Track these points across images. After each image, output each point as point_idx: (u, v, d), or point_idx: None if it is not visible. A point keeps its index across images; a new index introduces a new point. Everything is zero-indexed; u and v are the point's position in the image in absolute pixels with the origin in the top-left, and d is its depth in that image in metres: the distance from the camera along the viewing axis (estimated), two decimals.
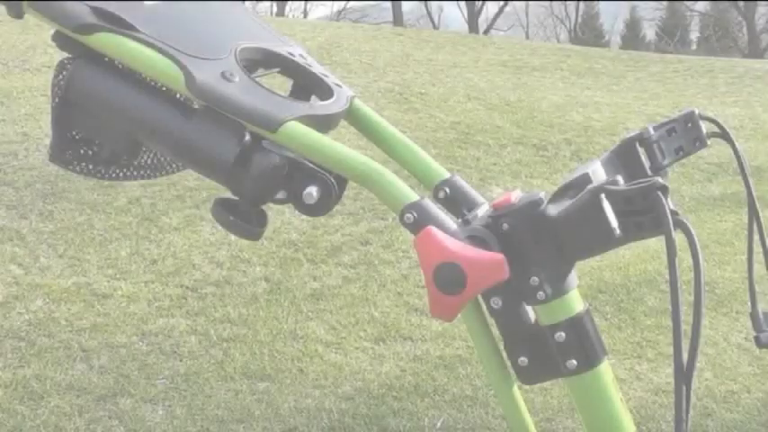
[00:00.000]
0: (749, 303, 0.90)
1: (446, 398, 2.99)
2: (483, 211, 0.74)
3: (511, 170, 5.89)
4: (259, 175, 0.75)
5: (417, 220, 0.70)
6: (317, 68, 0.88)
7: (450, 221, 0.71)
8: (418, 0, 32.82)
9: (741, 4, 27.89)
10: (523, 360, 0.72)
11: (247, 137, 0.76)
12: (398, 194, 0.73)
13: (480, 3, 30.10)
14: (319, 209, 0.77)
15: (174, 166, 0.91)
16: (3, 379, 2.95)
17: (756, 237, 0.88)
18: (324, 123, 0.80)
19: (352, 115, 0.86)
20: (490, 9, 35.80)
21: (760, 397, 3.11)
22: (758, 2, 27.92)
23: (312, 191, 0.76)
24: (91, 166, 0.81)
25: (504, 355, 0.73)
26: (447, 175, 0.84)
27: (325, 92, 0.86)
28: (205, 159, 0.76)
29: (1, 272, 3.77)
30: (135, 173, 0.89)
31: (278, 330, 3.41)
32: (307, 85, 0.87)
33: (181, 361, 3.15)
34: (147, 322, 3.42)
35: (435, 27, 29.52)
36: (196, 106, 0.77)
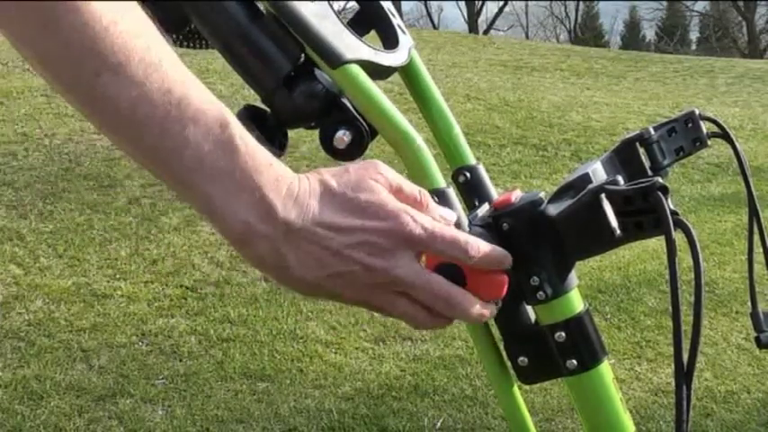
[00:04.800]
0: (749, 303, 0.90)
1: (446, 398, 2.99)
2: (483, 210, 0.74)
3: (511, 170, 5.90)
4: (300, 100, 0.75)
5: None
6: (387, 3, 0.87)
7: (464, 220, 0.71)
8: (418, 0, 32.84)
9: (741, 4, 27.91)
10: (523, 360, 0.72)
11: (302, 59, 0.75)
12: (428, 174, 0.73)
13: (480, 3, 30.12)
14: (345, 155, 0.77)
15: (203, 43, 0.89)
16: (3, 379, 2.95)
17: (756, 237, 0.88)
18: (381, 73, 0.79)
19: (405, 68, 0.86)
20: (490, 9, 35.86)
21: (760, 397, 3.11)
22: (758, 2, 27.95)
23: (345, 135, 0.76)
24: None
25: (504, 355, 0.73)
26: (473, 161, 0.84)
27: (388, 32, 0.85)
28: (253, 66, 0.76)
29: (1, 272, 3.77)
30: (171, 39, 0.87)
31: (278, 330, 3.41)
32: (371, 17, 0.86)
33: (180, 361, 3.15)
34: (147, 322, 3.42)
35: (435, 27, 29.54)
36: (262, 9, 0.76)
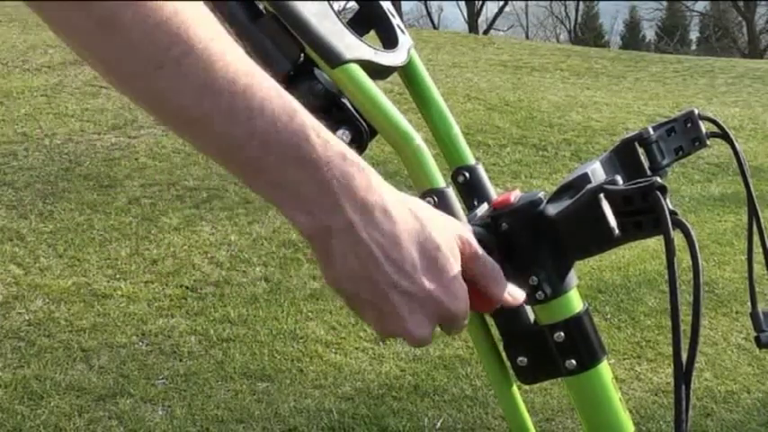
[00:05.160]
0: (749, 303, 0.90)
1: (446, 398, 2.99)
2: (482, 210, 0.74)
3: (511, 170, 5.90)
4: (300, 100, 0.76)
5: (436, 207, 0.71)
6: (386, 4, 0.87)
7: (463, 220, 0.71)
8: (418, 0, 32.84)
9: (741, 4, 27.90)
10: (523, 360, 0.72)
11: (302, 58, 0.75)
12: (428, 174, 0.73)
13: (480, 3, 30.11)
14: None
15: None
16: (3, 379, 2.95)
17: (756, 237, 0.88)
18: (380, 73, 0.80)
19: (405, 68, 0.86)
20: (490, 9, 35.86)
21: (760, 397, 3.11)
22: (758, 2, 27.94)
23: (344, 135, 0.76)
24: None
25: (504, 355, 0.73)
26: (472, 161, 0.84)
27: (388, 32, 0.85)
28: None
29: (1, 272, 3.77)
30: None
31: (278, 330, 3.41)
32: (370, 17, 0.86)
33: (181, 361, 3.15)
34: (147, 322, 3.42)
35: (435, 27, 29.53)
36: (262, 8, 0.76)
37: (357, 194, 0.58)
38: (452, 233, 0.62)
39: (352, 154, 0.59)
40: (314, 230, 0.58)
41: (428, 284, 0.59)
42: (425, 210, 0.62)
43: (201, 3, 0.57)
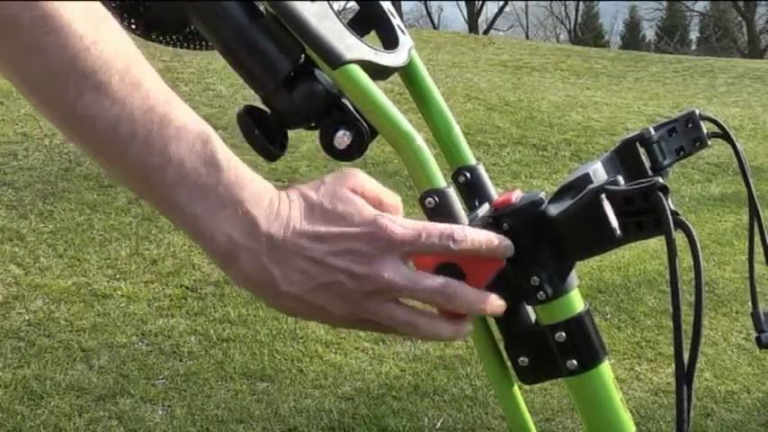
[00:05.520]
0: (749, 303, 0.90)
1: (446, 398, 2.99)
2: (483, 210, 0.74)
3: (511, 170, 5.90)
4: (300, 101, 0.75)
5: (437, 207, 0.71)
6: (386, 4, 0.87)
7: (464, 220, 0.71)
8: (418, 0, 32.85)
9: (741, 4, 27.91)
10: (524, 360, 0.72)
11: (302, 59, 0.75)
12: (429, 174, 0.73)
13: (480, 3, 30.12)
14: (345, 155, 0.77)
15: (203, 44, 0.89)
16: (3, 379, 2.95)
17: (757, 237, 0.88)
18: (381, 73, 0.79)
19: (405, 69, 0.86)
20: (490, 9, 35.87)
21: (760, 397, 3.11)
22: (758, 2, 27.95)
23: (345, 136, 0.75)
24: (133, 20, 0.80)
25: (504, 355, 0.73)
26: (473, 161, 0.84)
27: (388, 33, 0.85)
28: (253, 67, 0.76)
29: (1, 272, 3.77)
30: (172, 40, 0.88)
31: (278, 330, 3.41)
32: (371, 17, 0.86)
33: (181, 361, 3.15)
34: (147, 322, 3.42)
35: (435, 27, 29.54)
36: (262, 10, 0.76)
37: (273, 211, 0.60)
38: (341, 187, 0.62)
39: (254, 174, 0.61)
40: (232, 253, 0.60)
41: (349, 230, 0.60)
42: (312, 192, 0.62)
43: (118, 26, 0.59)
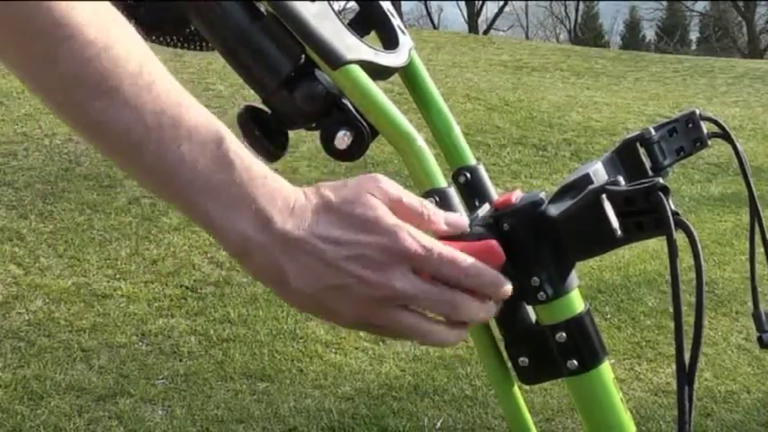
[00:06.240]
0: (750, 303, 0.90)
1: (446, 398, 2.99)
2: (484, 211, 0.74)
3: (511, 170, 5.90)
4: (300, 101, 0.75)
5: (437, 207, 0.71)
6: (386, 4, 0.87)
7: (466, 219, 0.71)
8: (418, 0, 32.86)
9: (741, 4, 27.91)
10: (524, 360, 0.72)
11: (302, 59, 0.75)
12: (429, 175, 0.73)
13: (480, 3, 30.12)
14: (346, 155, 0.77)
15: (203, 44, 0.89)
16: (3, 379, 2.95)
17: (757, 237, 0.88)
18: (381, 73, 0.79)
19: (405, 69, 0.86)
20: (490, 9, 35.87)
21: (760, 397, 3.11)
22: (758, 2, 27.95)
23: (345, 136, 0.75)
24: (133, 21, 0.80)
25: (505, 355, 0.73)
26: (473, 162, 0.84)
27: (388, 33, 0.85)
28: (253, 67, 0.76)
29: (1, 272, 3.77)
30: (172, 40, 0.88)
31: (278, 330, 3.41)
32: (371, 18, 0.86)
33: (181, 361, 3.15)
34: (147, 322, 3.42)
35: (435, 27, 29.54)
36: (263, 10, 0.76)
37: (286, 209, 0.60)
38: (363, 191, 0.62)
39: (272, 174, 0.62)
40: (246, 249, 0.61)
41: (364, 237, 0.61)
42: (332, 193, 0.62)
43: (132, 30, 0.60)
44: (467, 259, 0.63)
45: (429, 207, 0.65)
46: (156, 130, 0.58)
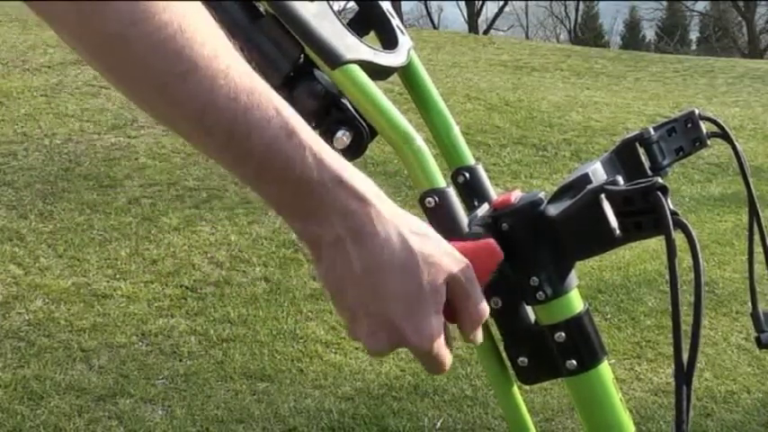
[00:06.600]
0: (749, 303, 0.90)
1: (446, 398, 2.99)
2: (483, 211, 0.74)
3: (511, 170, 5.90)
4: (300, 100, 0.76)
5: (437, 207, 0.71)
6: (386, 4, 0.87)
7: (464, 221, 0.71)
8: (418, 0, 32.85)
9: (741, 4, 27.90)
10: (523, 360, 0.72)
11: (302, 59, 0.75)
12: (428, 175, 0.73)
13: (480, 3, 30.10)
14: (345, 155, 0.77)
15: None
16: (3, 379, 2.95)
17: (757, 237, 0.88)
18: (380, 73, 0.80)
19: (404, 69, 0.86)
20: (490, 9, 35.86)
21: (760, 397, 3.11)
22: (758, 2, 27.94)
23: (345, 136, 0.76)
24: None
25: (504, 355, 0.73)
26: (472, 162, 0.84)
27: (388, 33, 0.85)
28: (253, 67, 0.76)
29: (1, 272, 3.77)
30: None
31: (278, 330, 3.41)
32: (370, 18, 0.86)
33: (181, 361, 3.15)
34: (147, 322, 3.42)
35: (435, 27, 29.52)
36: (262, 10, 0.77)
37: (347, 217, 0.60)
38: (443, 270, 0.62)
39: (351, 176, 0.61)
40: (307, 237, 0.62)
41: (396, 315, 0.61)
42: (424, 241, 0.62)
43: (207, 16, 0.59)
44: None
45: (480, 315, 0.66)
46: (227, 116, 0.57)
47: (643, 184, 0.64)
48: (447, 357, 0.65)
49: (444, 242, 0.64)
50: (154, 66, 0.55)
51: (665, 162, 0.87)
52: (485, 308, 0.65)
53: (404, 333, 0.61)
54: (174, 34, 0.55)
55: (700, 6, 32.79)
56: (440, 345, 0.63)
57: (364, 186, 0.61)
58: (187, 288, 3.74)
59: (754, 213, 0.88)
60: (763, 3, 28.47)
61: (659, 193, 0.63)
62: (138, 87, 0.58)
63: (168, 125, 0.60)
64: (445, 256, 0.63)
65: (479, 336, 0.67)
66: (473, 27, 27.95)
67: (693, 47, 33.49)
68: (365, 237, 0.60)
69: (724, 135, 0.89)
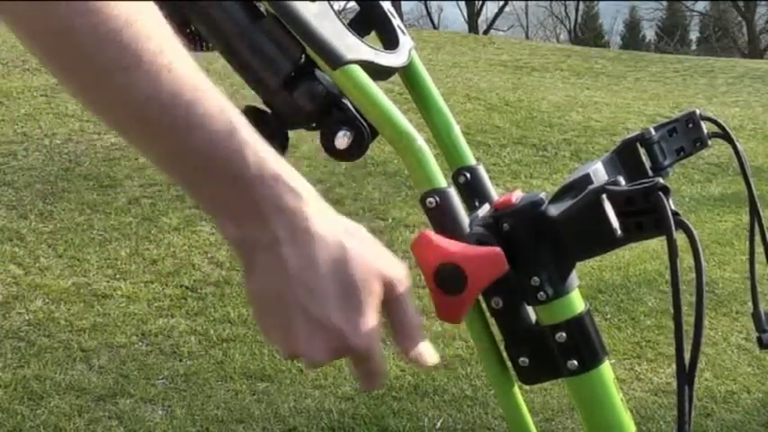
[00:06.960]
0: (750, 303, 0.89)
1: (446, 398, 2.99)
2: (484, 211, 0.74)
3: (511, 170, 5.90)
4: (300, 101, 0.75)
5: (437, 207, 0.71)
6: (386, 4, 0.87)
7: (465, 221, 0.70)
8: (418, 0, 32.85)
9: (741, 4, 27.91)
10: (524, 360, 0.72)
11: (302, 59, 0.75)
12: (429, 175, 0.73)
13: (480, 3, 30.11)
14: (346, 155, 0.77)
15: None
16: (3, 379, 2.95)
17: (757, 237, 0.88)
18: (381, 73, 0.79)
19: (405, 69, 0.86)
20: (490, 9, 35.85)
21: (760, 397, 3.11)
22: (758, 2, 27.94)
23: (345, 136, 0.75)
24: None
25: (505, 355, 0.73)
26: (473, 162, 0.84)
27: (388, 33, 0.85)
28: (254, 67, 0.76)
29: (1, 272, 3.77)
30: None
31: None
32: (371, 18, 0.86)
33: (181, 361, 3.15)
34: (147, 322, 3.42)
35: (435, 27, 29.53)
36: (263, 10, 0.76)
37: (285, 215, 0.59)
38: (378, 271, 0.61)
39: (288, 175, 0.60)
40: (241, 241, 0.60)
41: (335, 316, 0.60)
42: (360, 242, 0.62)
43: (155, 11, 0.59)
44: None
45: (413, 324, 0.64)
46: (169, 112, 0.57)
47: (644, 185, 0.64)
48: (384, 366, 0.64)
49: (380, 244, 0.63)
50: (99, 57, 0.55)
51: (666, 162, 0.87)
52: (416, 317, 0.64)
53: (344, 334, 0.60)
54: (120, 28, 0.55)
55: (700, 6, 32.81)
56: (379, 348, 0.62)
57: (302, 185, 0.60)
58: (187, 288, 3.74)
59: (754, 213, 0.88)
60: (763, 3, 28.48)
61: (661, 193, 0.63)
62: (83, 79, 0.57)
63: (107, 119, 0.59)
64: (380, 258, 0.62)
65: (425, 353, 0.65)
66: (473, 27, 27.95)
67: (693, 47, 33.50)
68: (302, 234, 0.59)
69: (725, 135, 0.89)
